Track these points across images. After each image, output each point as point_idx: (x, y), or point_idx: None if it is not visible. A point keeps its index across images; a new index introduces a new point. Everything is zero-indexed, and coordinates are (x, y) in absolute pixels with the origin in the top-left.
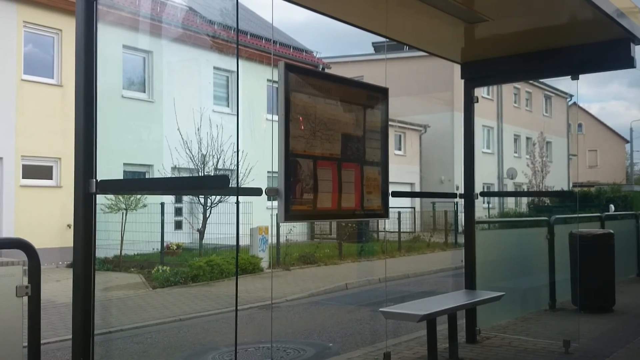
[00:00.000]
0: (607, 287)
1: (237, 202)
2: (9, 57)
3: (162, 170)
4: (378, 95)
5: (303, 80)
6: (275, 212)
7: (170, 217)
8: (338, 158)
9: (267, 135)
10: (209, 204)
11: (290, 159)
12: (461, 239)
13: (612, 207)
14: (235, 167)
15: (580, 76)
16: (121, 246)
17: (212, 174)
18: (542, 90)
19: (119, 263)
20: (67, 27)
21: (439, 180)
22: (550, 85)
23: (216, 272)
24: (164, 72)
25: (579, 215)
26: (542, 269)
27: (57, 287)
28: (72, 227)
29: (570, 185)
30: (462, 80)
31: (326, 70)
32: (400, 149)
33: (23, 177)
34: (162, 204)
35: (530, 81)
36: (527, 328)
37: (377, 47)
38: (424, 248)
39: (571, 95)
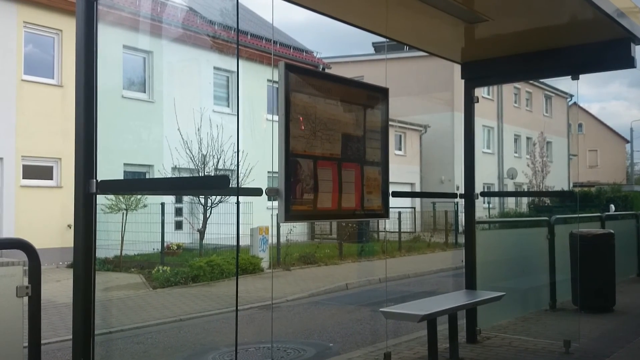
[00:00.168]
0: (608, 287)
1: (238, 202)
2: (9, 57)
3: (163, 170)
4: (378, 95)
5: (303, 80)
6: (275, 212)
7: (170, 217)
8: (338, 158)
9: (267, 136)
10: (209, 204)
11: (291, 159)
12: (461, 239)
13: (612, 207)
14: (236, 167)
15: (581, 76)
16: (121, 246)
17: (213, 174)
18: (543, 90)
19: (120, 263)
20: (68, 28)
21: (439, 180)
22: (551, 85)
23: (216, 272)
24: (164, 72)
25: (580, 215)
26: (542, 269)
27: (58, 287)
28: (73, 227)
29: (571, 185)
30: (462, 80)
31: (326, 71)
32: (400, 149)
33: (23, 178)
34: (163, 204)
35: (531, 81)
36: (528, 328)
37: (377, 47)
38: (424, 248)
39: (571, 95)
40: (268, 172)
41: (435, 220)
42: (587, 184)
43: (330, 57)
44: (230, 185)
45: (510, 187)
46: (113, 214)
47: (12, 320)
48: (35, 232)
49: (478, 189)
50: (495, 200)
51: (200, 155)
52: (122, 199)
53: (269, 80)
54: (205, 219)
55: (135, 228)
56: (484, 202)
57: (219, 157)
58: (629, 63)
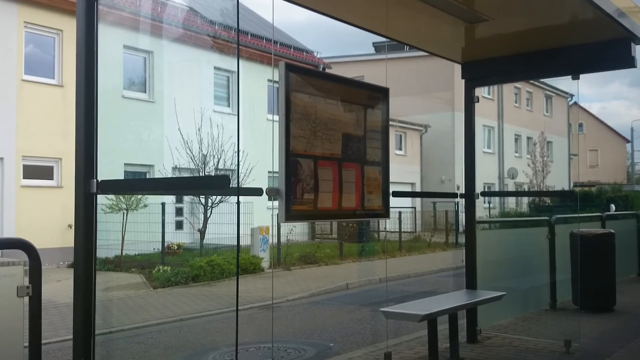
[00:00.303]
0: (608, 286)
1: (238, 202)
2: (9, 58)
3: (163, 170)
4: (379, 95)
5: (303, 80)
6: (275, 212)
7: (171, 217)
8: (339, 158)
9: (267, 135)
10: (209, 204)
11: (291, 159)
12: (462, 239)
13: (612, 206)
14: (236, 167)
15: (581, 76)
16: (122, 246)
17: (213, 174)
18: (543, 90)
19: (120, 263)
20: (68, 28)
21: (439, 180)
22: (551, 85)
23: (217, 272)
24: (165, 72)
25: (580, 215)
26: (542, 268)
27: (58, 287)
28: (73, 227)
29: (571, 185)
30: (463, 80)
31: (327, 70)
32: (400, 149)
33: (24, 178)
34: (163, 204)
35: (531, 81)
36: (528, 328)
37: (378, 47)
38: (424, 248)
39: (572, 95)
40: (268, 172)
41: (435, 220)
42: (588, 183)
43: (330, 57)
44: (230, 185)
45: (511, 187)
46: (113, 213)
47: (13, 320)
48: (35, 232)
49: (478, 188)
50: (496, 200)
51: (200, 155)
52: (122, 199)
53: (269, 80)
54: (206, 219)
55: (136, 228)
56: (484, 202)
57: (219, 157)
58: (630, 63)
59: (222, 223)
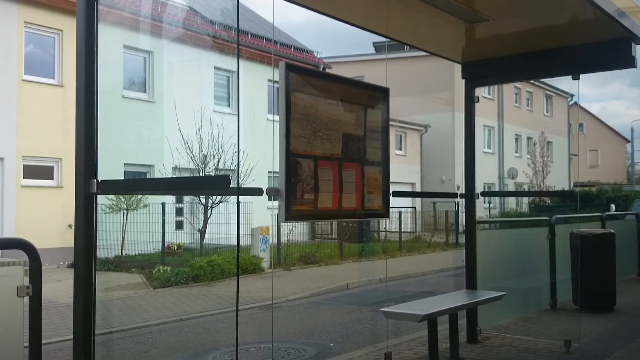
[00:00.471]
0: (608, 286)
1: (238, 202)
2: (9, 58)
3: (163, 170)
4: (379, 95)
5: (304, 80)
6: (276, 212)
7: (171, 217)
8: (339, 158)
9: (267, 135)
10: (209, 204)
11: (291, 159)
12: (462, 239)
13: (612, 206)
14: (236, 167)
15: (581, 76)
16: (122, 246)
17: (213, 174)
18: (543, 90)
19: (120, 263)
20: (68, 28)
21: (439, 180)
22: (551, 85)
23: (217, 272)
24: (165, 72)
25: (580, 215)
26: (543, 268)
27: (58, 287)
28: (73, 227)
29: (571, 185)
30: (463, 80)
31: (327, 70)
32: (401, 149)
33: (24, 178)
34: (163, 204)
35: (531, 81)
36: (528, 328)
37: (378, 47)
38: (424, 248)
39: (572, 95)
40: (268, 172)
41: (435, 220)
42: (588, 183)
43: (330, 57)
44: (230, 185)
45: (511, 187)
46: (114, 214)
47: (13, 320)
48: (35, 232)
49: (478, 188)
50: (496, 200)
51: (200, 155)
52: (122, 199)
53: (269, 80)
54: (206, 219)
55: (136, 228)
56: (484, 202)
57: (219, 157)
58: (630, 63)
59: (222, 223)
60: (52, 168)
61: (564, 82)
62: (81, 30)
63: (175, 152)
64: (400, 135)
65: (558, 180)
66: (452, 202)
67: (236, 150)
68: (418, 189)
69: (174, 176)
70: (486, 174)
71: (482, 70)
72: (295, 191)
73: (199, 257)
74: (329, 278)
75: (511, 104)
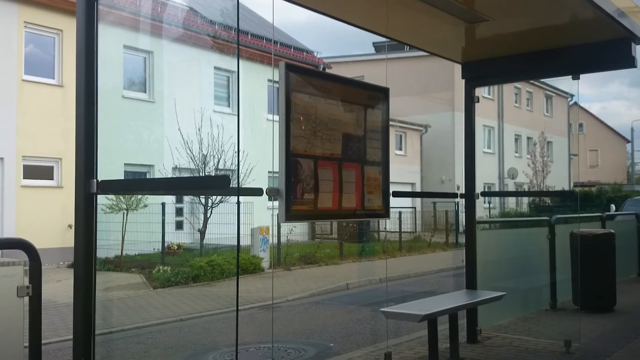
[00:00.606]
0: (608, 286)
1: (238, 202)
2: (10, 58)
3: (163, 170)
4: (379, 95)
5: (304, 80)
6: (276, 212)
7: (171, 217)
8: (339, 158)
9: (267, 136)
10: (209, 204)
11: (291, 159)
12: (462, 239)
13: (613, 207)
14: (236, 167)
15: (581, 76)
16: (122, 246)
17: (213, 174)
18: (543, 90)
19: (120, 263)
20: (68, 28)
21: (439, 180)
22: (551, 85)
23: (217, 272)
24: (165, 72)
25: (580, 215)
26: (543, 268)
27: (58, 287)
28: (73, 228)
29: (571, 185)
30: (463, 80)
31: (327, 70)
32: (401, 149)
33: (24, 178)
34: (163, 204)
35: (531, 81)
36: (528, 328)
37: (378, 47)
38: (424, 248)
39: (572, 95)
40: (268, 172)
41: (435, 220)
42: (588, 183)
43: (330, 57)
44: (230, 185)
45: (511, 187)
46: (114, 214)
47: (13, 320)
48: (35, 232)
49: (478, 188)
50: (496, 200)
51: (200, 155)
52: (122, 199)
53: (269, 80)
54: (206, 219)
55: (136, 228)
56: (484, 202)
57: (219, 157)
58: (630, 63)
59: (222, 223)
60: (52, 168)
61: (564, 82)
62: (81, 30)
63: (175, 152)
64: (400, 135)
65: (558, 180)
66: (452, 202)
67: (236, 150)
68: (418, 189)
69: (174, 176)
70: (486, 174)
71: (482, 70)
72: (295, 191)
73: (199, 257)
74: (329, 278)
75: (511, 104)
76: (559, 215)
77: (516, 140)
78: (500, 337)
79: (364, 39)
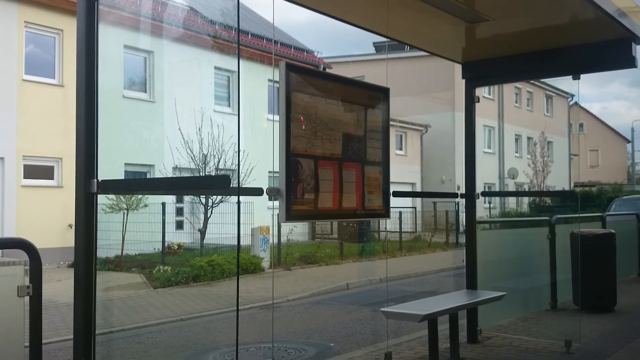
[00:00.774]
0: (609, 287)
1: (239, 202)
2: (10, 58)
3: (163, 170)
4: (379, 95)
5: (304, 80)
6: (276, 212)
7: (171, 217)
8: (339, 158)
9: (268, 135)
10: (210, 204)
11: (291, 158)
12: (462, 239)
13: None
14: (237, 167)
15: (582, 76)
16: (122, 246)
17: (213, 174)
18: (543, 90)
19: (120, 263)
20: (68, 27)
21: (440, 180)
22: (552, 85)
23: (217, 272)
24: (165, 72)
25: (580, 215)
26: (543, 268)
27: (59, 287)
28: (74, 227)
29: (572, 185)
30: (463, 80)
31: (327, 70)
32: (401, 149)
33: (24, 177)
34: (163, 204)
35: (532, 81)
36: (529, 328)
37: (378, 47)
38: (425, 248)
39: (572, 95)
40: (269, 171)
41: (436, 220)
42: (588, 183)
43: (331, 57)
44: (231, 185)
45: (511, 187)
46: (114, 213)
47: (13, 319)
48: (36, 231)
49: (479, 188)
50: (496, 200)
51: (201, 155)
52: (123, 199)
53: (269, 80)
54: (206, 219)
55: (136, 228)
56: (484, 202)
57: (219, 156)
58: (630, 63)
59: (223, 223)
60: (52, 168)
61: (564, 82)
62: (81, 30)
63: (176, 152)
64: (401, 135)
65: (558, 180)
66: (453, 202)
67: (236, 150)
68: (418, 189)
69: (174, 176)
70: (486, 174)
71: (482, 70)
72: (295, 191)
73: (199, 257)
74: (329, 278)
75: (511, 104)
76: (559, 215)
77: (516, 140)
78: (501, 337)
79: (364, 38)
